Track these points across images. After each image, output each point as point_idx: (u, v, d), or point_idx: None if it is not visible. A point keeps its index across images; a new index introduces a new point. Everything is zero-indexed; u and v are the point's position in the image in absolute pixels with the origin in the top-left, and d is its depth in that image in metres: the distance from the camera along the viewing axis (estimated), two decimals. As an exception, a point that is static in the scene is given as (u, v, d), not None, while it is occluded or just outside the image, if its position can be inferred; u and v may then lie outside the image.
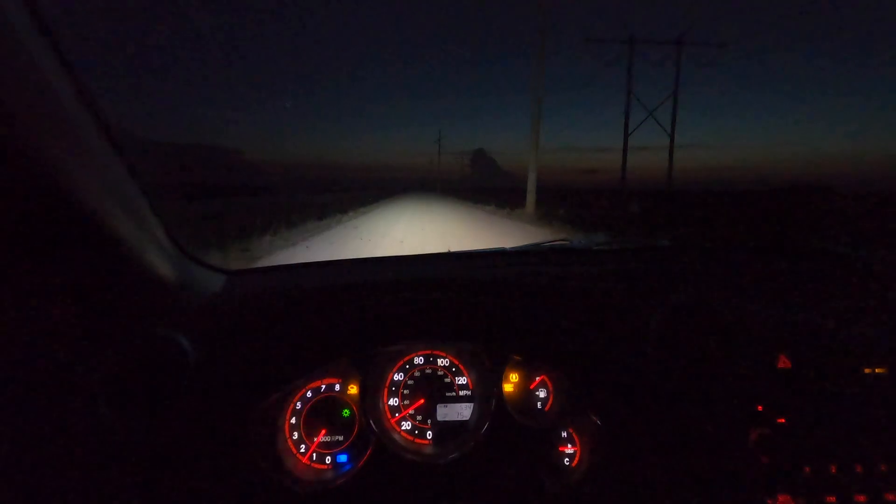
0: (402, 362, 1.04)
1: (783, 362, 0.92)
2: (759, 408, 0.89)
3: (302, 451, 1.00)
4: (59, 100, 0.59)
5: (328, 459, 0.99)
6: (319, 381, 1.01)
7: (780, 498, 0.85)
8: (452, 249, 1.43)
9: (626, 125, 29.87)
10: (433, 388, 1.03)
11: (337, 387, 1.01)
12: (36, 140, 0.56)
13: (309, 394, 1.01)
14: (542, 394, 1.03)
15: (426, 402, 1.03)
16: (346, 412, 1.01)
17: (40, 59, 0.56)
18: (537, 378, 1.03)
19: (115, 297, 0.80)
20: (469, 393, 1.04)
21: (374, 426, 0.95)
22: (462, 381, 1.04)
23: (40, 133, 0.57)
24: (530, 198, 15.57)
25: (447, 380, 1.04)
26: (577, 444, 1.00)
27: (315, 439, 0.99)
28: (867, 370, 0.91)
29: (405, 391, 1.03)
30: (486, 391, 0.98)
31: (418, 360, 1.04)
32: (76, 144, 0.62)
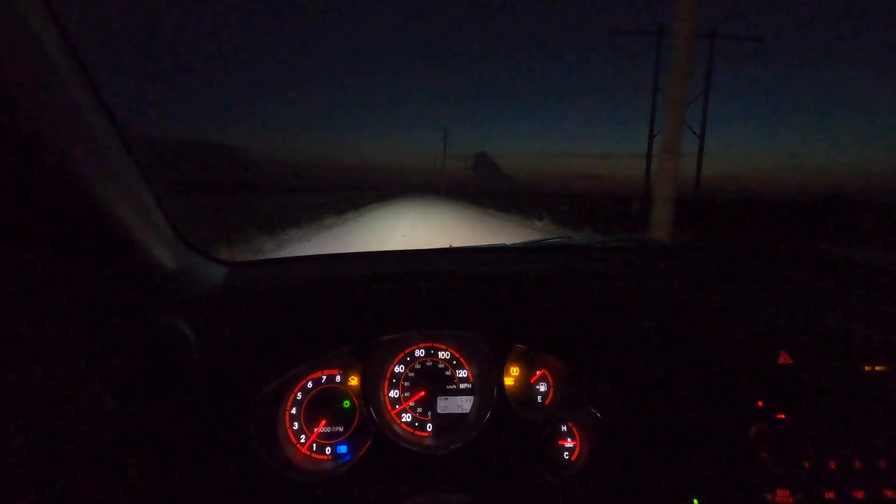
0: (402, 354, 1.04)
1: (784, 358, 0.92)
2: (760, 403, 0.89)
3: (302, 441, 1.00)
4: (70, 93, 0.60)
5: (328, 450, 1.00)
6: (320, 372, 1.01)
7: (780, 493, 0.85)
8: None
9: (652, 125, 27.88)
10: (434, 381, 1.03)
11: (338, 378, 1.02)
12: (44, 132, 0.57)
13: (309, 384, 1.01)
14: (542, 387, 1.03)
15: (427, 395, 1.03)
16: (346, 403, 1.01)
17: (53, 54, 0.57)
18: (538, 372, 1.03)
19: (118, 286, 0.80)
20: (470, 386, 1.04)
21: (374, 417, 0.95)
22: (463, 373, 1.04)
23: (49, 125, 0.58)
24: (661, 215, 8.78)
25: (448, 372, 1.04)
26: (577, 438, 1.00)
27: (315, 430, 1.00)
28: (867, 368, 0.92)
29: (406, 383, 1.04)
30: (487, 384, 0.98)
31: (419, 353, 1.05)
32: (84, 136, 0.63)
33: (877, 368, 0.92)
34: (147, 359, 0.84)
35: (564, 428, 1.01)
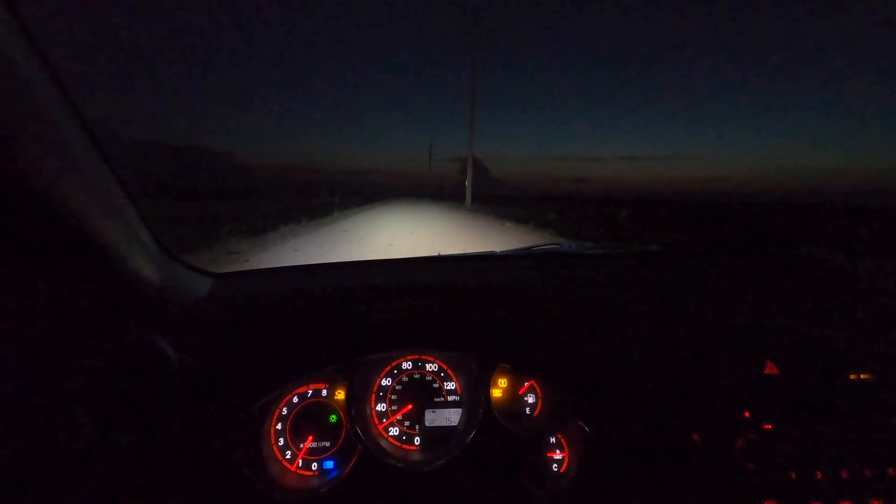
0: (389, 367, 1.03)
1: (770, 368, 0.92)
2: (746, 414, 0.89)
3: (288, 457, 0.98)
4: (40, 102, 0.58)
5: (314, 466, 0.98)
6: (306, 387, 0.99)
7: None
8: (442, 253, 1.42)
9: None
10: (421, 394, 1.02)
11: (324, 392, 1.00)
12: (15, 143, 0.55)
13: (295, 399, 0.99)
14: (530, 399, 1.02)
15: (414, 408, 1.02)
16: (333, 417, 0.99)
17: (20, 61, 0.55)
18: (526, 383, 1.02)
19: (98, 302, 0.78)
20: (458, 398, 1.03)
21: (360, 432, 0.93)
22: (450, 386, 1.03)
23: (20, 136, 0.55)
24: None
25: (435, 385, 1.03)
26: (566, 450, 1.00)
27: (302, 446, 0.98)
28: (852, 376, 0.92)
29: (393, 396, 1.02)
30: (475, 397, 0.97)
31: (406, 365, 1.03)
32: (57, 147, 0.61)
33: (862, 377, 0.92)
34: (126, 378, 0.81)
35: (553, 440, 1.00)
